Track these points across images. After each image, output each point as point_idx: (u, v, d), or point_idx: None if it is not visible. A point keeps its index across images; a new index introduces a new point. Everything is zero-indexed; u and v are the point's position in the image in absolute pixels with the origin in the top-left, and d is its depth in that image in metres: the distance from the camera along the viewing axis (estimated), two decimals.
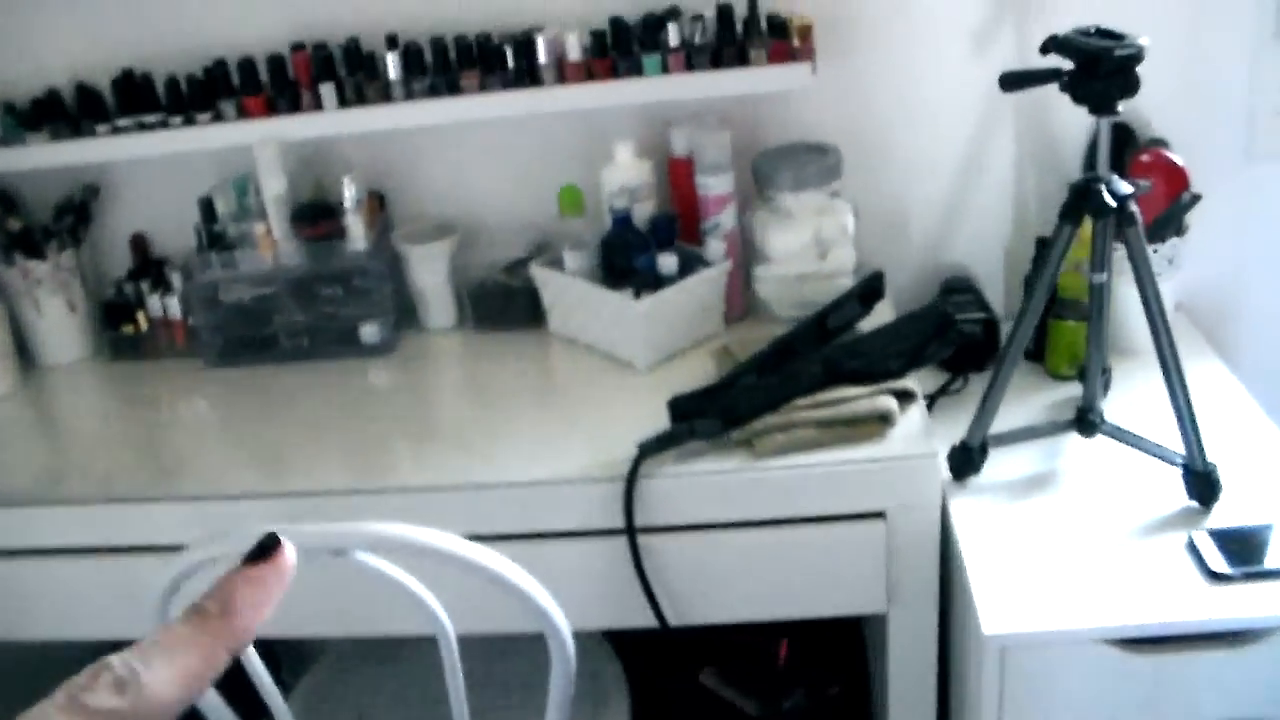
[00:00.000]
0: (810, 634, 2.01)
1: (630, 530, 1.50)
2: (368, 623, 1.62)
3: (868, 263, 1.89)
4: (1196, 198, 1.82)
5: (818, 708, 1.97)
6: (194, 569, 1.32)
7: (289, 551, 0.51)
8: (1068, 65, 1.48)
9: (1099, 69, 1.45)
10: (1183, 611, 1.40)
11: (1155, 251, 1.84)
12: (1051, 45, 1.49)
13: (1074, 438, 1.69)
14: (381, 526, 1.27)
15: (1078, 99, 1.50)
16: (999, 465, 1.66)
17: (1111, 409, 1.71)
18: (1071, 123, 1.90)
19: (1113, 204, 1.51)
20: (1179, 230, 1.86)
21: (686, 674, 2.04)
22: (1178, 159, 1.83)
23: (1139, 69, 1.46)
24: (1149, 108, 1.91)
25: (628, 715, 1.74)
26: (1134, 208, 1.52)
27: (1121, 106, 1.49)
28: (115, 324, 1.99)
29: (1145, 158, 1.84)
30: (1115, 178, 1.54)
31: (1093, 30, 1.49)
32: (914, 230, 2.00)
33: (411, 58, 1.83)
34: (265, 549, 0.50)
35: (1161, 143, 1.90)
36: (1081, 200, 1.53)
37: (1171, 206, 1.81)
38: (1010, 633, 1.41)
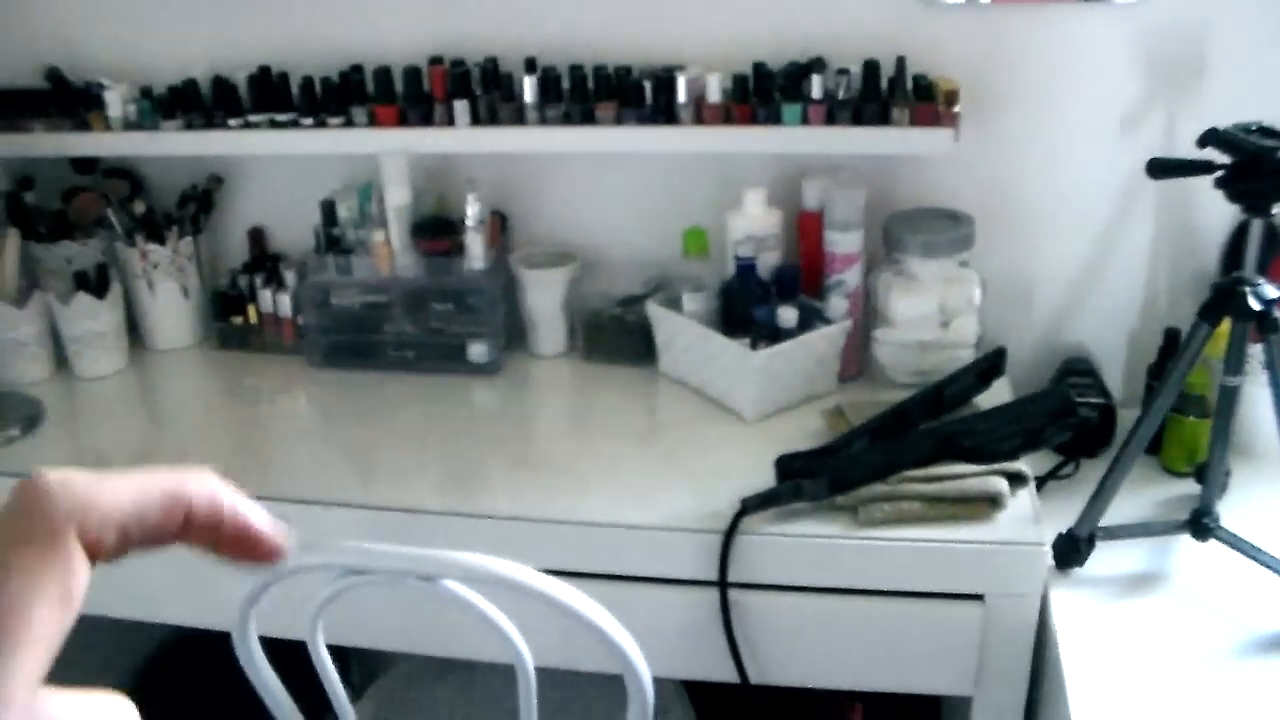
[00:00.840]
0: (885, 703, 1.96)
1: (723, 584, 1.46)
2: (446, 644, 1.61)
3: (989, 335, 1.85)
4: None
5: None
6: (281, 579, 1.31)
7: (279, 540, 0.55)
8: (1223, 160, 1.44)
9: (1260, 168, 1.40)
10: None
11: None
12: (1211, 139, 1.44)
13: (1186, 539, 1.63)
14: (472, 558, 1.25)
15: (1232, 197, 1.45)
16: (1105, 559, 1.60)
17: (1228, 513, 1.65)
18: (1213, 217, 1.84)
19: (1257, 308, 1.46)
20: None
21: None
22: None
23: None
24: None
25: None
26: (1278, 314, 1.47)
27: (1277, 209, 1.44)
28: (226, 314, 2.00)
29: None
30: (1263, 281, 1.49)
31: (1255, 128, 1.44)
32: (1039, 307, 1.95)
33: (549, 83, 1.82)
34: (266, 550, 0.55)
35: None
36: (1225, 300, 1.48)
37: None
38: None
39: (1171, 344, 1.83)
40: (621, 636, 1.27)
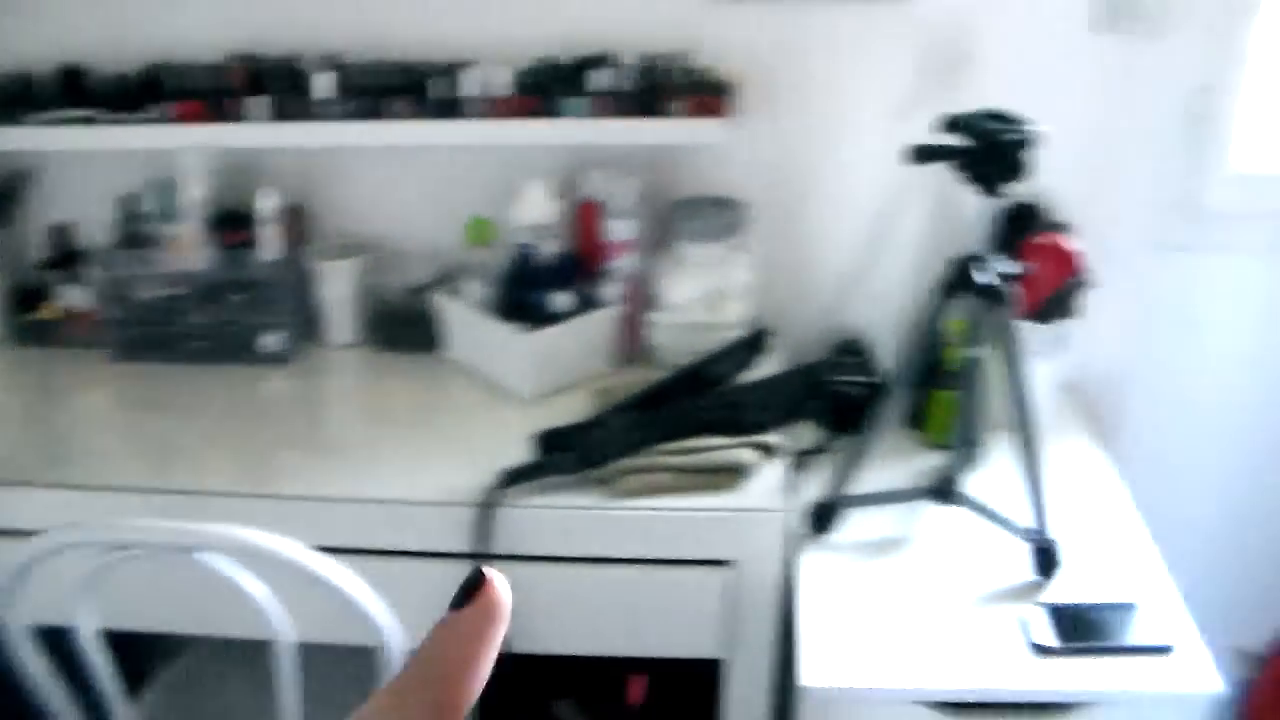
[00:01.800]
0: (668, 674, 2.03)
1: (483, 555, 1.53)
2: (214, 623, 1.66)
3: (770, 317, 1.93)
4: (1083, 283, 1.85)
5: None
6: (44, 555, 1.35)
7: (498, 584, 0.42)
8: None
9: (992, 151, 1.49)
10: (1001, 680, 1.45)
11: (1043, 333, 1.88)
12: (952, 124, 1.53)
13: (931, 504, 1.72)
14: (228, 530, 1.31)
15: (968, 177, 1.53)
16: (860, 525, 1.69)
17: (980, 481, 1.75)
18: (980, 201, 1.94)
19: (986, 283, 1.54)
20: (1067, 313, 1.90)
21: (540, 704, 2.06)
22: (1069, 244, 1.86)
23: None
24: (1061, 191, 1.95)
25: None
26: (1007, 288, 1.55)
27: (1013, 189, 1.53)
28: (26, 309, 2.02)
29: (1042, 242, 1.87)
30: (995, 258, 1.57)
31: (988, 113, 1.53)
32: (816, 290, 2.04)
33: (343, 79, 1.87)
34: (469, 589, 0.41)
35: (1063, 227, 1.94)
36: (958, 277, 1.57)
37: (1058, 290, 1.85)
38: (830, 686, 1.44)
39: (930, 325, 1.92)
40: (364, 596, 1.33)
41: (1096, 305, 1.96)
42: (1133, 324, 2.06)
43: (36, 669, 1.49)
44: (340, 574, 1.34)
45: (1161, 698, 1.44)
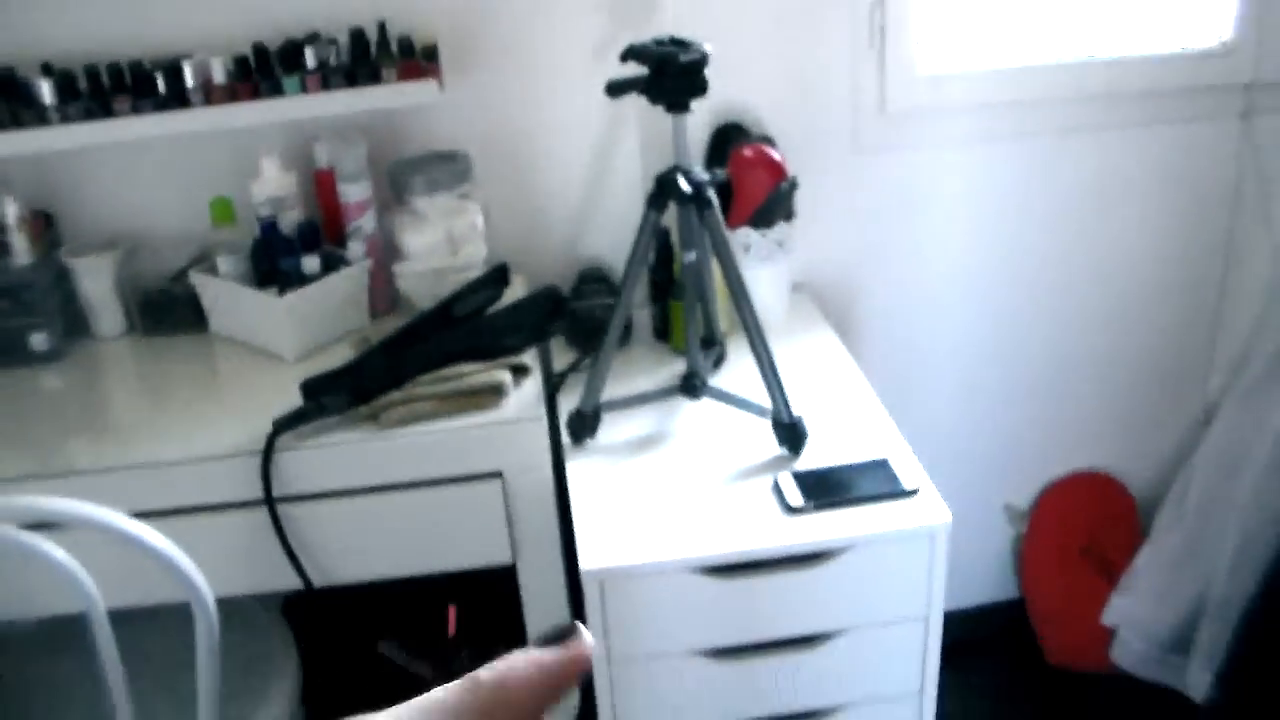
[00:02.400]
0: (477, 600, 2.21)
1: (269, 499, 1.68)
2: (22, 605, 1.77)
3: (510, 258, 2.10)
4: (793, 185, 2.07)
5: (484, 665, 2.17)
6: None
7: (588, 642, 0.43)
8: None
9: (667, 72, 1.67)
10: (761, 540, 1.65)
11: (764, 235, 2.10)
12: (629, 54, 1.71)
13: (685, 402, 1.93)
14: (17, 498, 1.42)
15: (654, 100, 1.72)
16: (617, 430, 1.89)
17: (726, 378, 1.96)
18: (692, 125, 2.14)
19: (689, 191, 1.74)
20: (787, 216, 2.13)
21: (365, 645, 2.22)
22: (775, 153, 2.08)
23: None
24: (763, 108, 2.18)
25: (296, 683, 1.91)
26: (710, 194, 1.75)
27: (694, 105, 1.71)
28: None
29: (746, 152, 2.09)
30: (695, 168, 1.77)
31: (667, 40, 1.71)
32: (551, 227, 2.23)
33: (65, 84, 1.96)
34: (561, 634, 0.43)
35: (769, 140, 2.16)
36: (664, 189, 1.77)
37: (770, 195, 2.07)
38: (607, 567, 1.63)
39: (664, 243, 2.12)
40: (165, 545, 1.47)
41: (811, 209, 2.20)
42: (847, 223, 2.31)
43: None
44: (139, 527, 1.47)
45: (900, 535, 1.65)
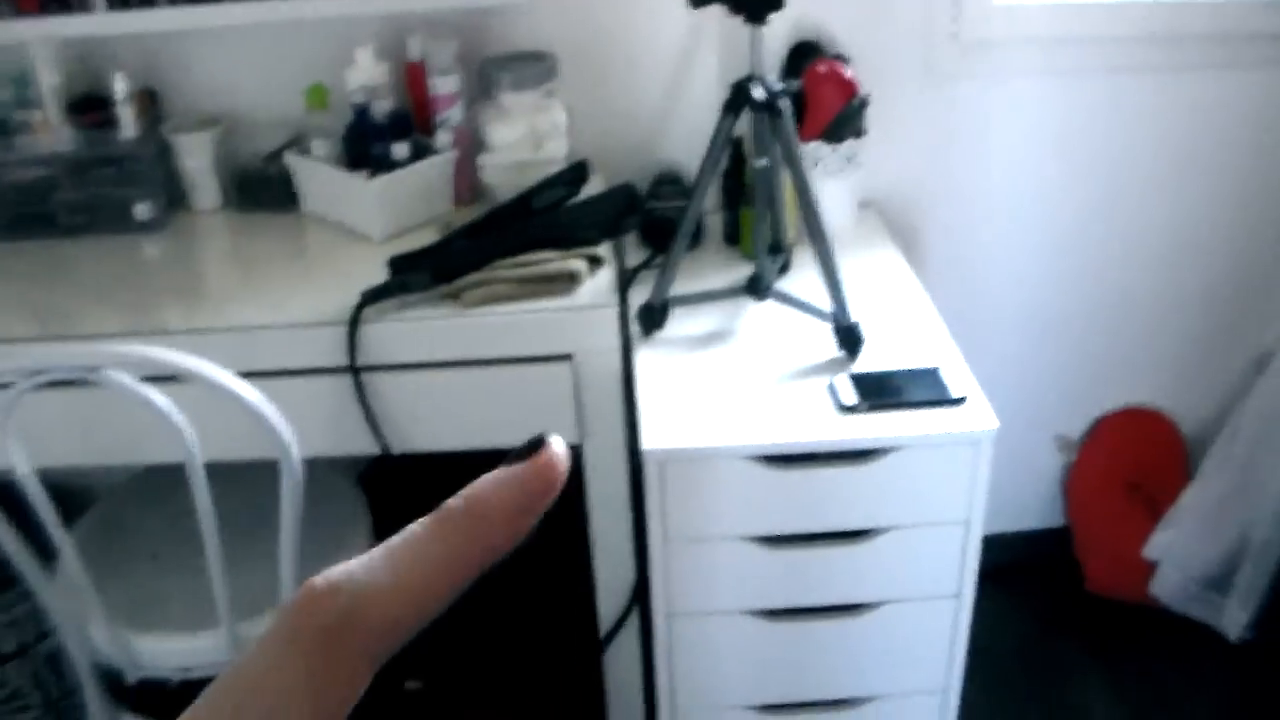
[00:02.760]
0: None
1: (353, 366, 1.78)
2: (125, 452, 1.89)
3: (590, 156, 2.17)
4: (864, 103, 2.14)
5: (549, 541, 2.27)
6: None
7: (557, 450, 0.41)
8: None
9: None
10: (814, 434, 1.73)
11: (834, 150, 2.16)
12: None
13: (750, 303, 2.01)
14: (129, 347, 1.53)
15: (733, 10, 1.78)
16: (684, 325, 1.97)
17: (791, 283, 2.03)
18: (769, 39, 2.19)
19: (763, 99, 1.81)
20: (857, 133, 2.18)
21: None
22: (847, 71, 2.14)
23: None
24: (839, 28, 2.23)
25: (368, 547, 2.02)
26: (783, 103, 1.82)
27: (773, 18, 1.77)
28: None
29: (820, 68, 2.15)
30: (769, 78, 1.84)
31: None
32: (630, 128, 2.30)
33: None
34: (529, 449, 0.41)
35: (843, 58, 2.22)
36: (739, 96, 1.83)
37: (842, 110, 2.13)
38: (667, 448, 1.72)
39: (738, 152, 2.19)
40: (266, 408, 1.57)
41: (883, 129, 2.25)
42: (917, 146, 2.35)
43: None
44: (240, 384, 1.57)
45: (946, 439, 1.73)
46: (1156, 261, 2.48)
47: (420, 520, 0.39)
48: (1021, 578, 2.65)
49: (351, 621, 0.36)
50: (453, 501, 0.40)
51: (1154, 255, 2.48)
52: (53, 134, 2.09)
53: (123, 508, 2.11)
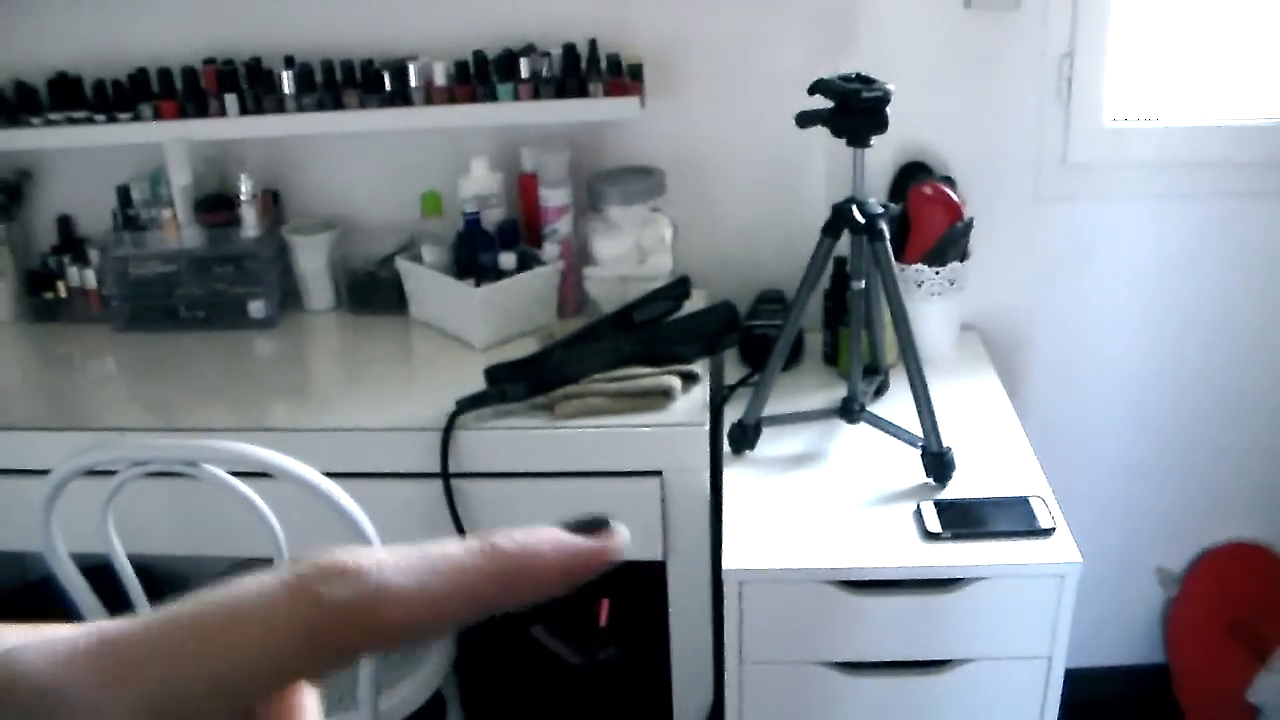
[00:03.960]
0: (629, 597, 2.31)
1: (445, 472, 1.81)
2: (214, 544, 1.95)
3: (693, 272, 2.20)
4: (968, 226, 2.14)
5: (630, 658, 2.28)
6: (63, 481, 1.61)
7: (621, 540, 0.40)
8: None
9: (850, 108, 1.75)
10: (897, 560, 1.71)
11: (937, 273, 2.16)
12: (816, 88, 1.79)
13: (842, 425, 2.01)
14: (227, 443, 1.58)
15: (836, 133, 1.80)
16: (775, 444, 1.98)
17: (885, 406, 2.03)
18: (876, 160, 2.15)
19: (862, 221, 1.82)
20: (960, 255, 2.18)
21: (518, 625, 2.35)
22: (953, 194, 2.15)
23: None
24: (947, 150, 2.25)
25: (450, 650, 2.05)
26: (882, 226, 1.83)
27: (875, 141, 1.78)
28: (38, 291, 2.30)
29: (925, 190, 2.15)
30: (870, 201, 1.85)
31: (853, 76, 1.78)
32: (733, 245, 2.33)
33: (304, 76, 2.15)
34: (593, 525, 0.40)
35: (949, 180, 2.23)
36: (839, 218, 1.85)
37: (946, 233, 2.14)
38: (749, 568, 1.72)
39: (840, 271, 2.20)
40: (356, 511, 1.60)
41: (987, 252, 2.25)
42: (1021, 269, 2.34)
43: (80, 592, 1.75)
44: (331, 486, 1.61)
45: (1030, 570, 1.70)
46: (1266, 391, 2.43)
47: (465, 542, 0.37)
48: (1118, 715, 2.58)
49: (369, 609, 0.35)
50: (504, 540, 0.38)
51: (1261, 385, 2.42)
52: (180, 231, 2.19)
53: None
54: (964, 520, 1.76)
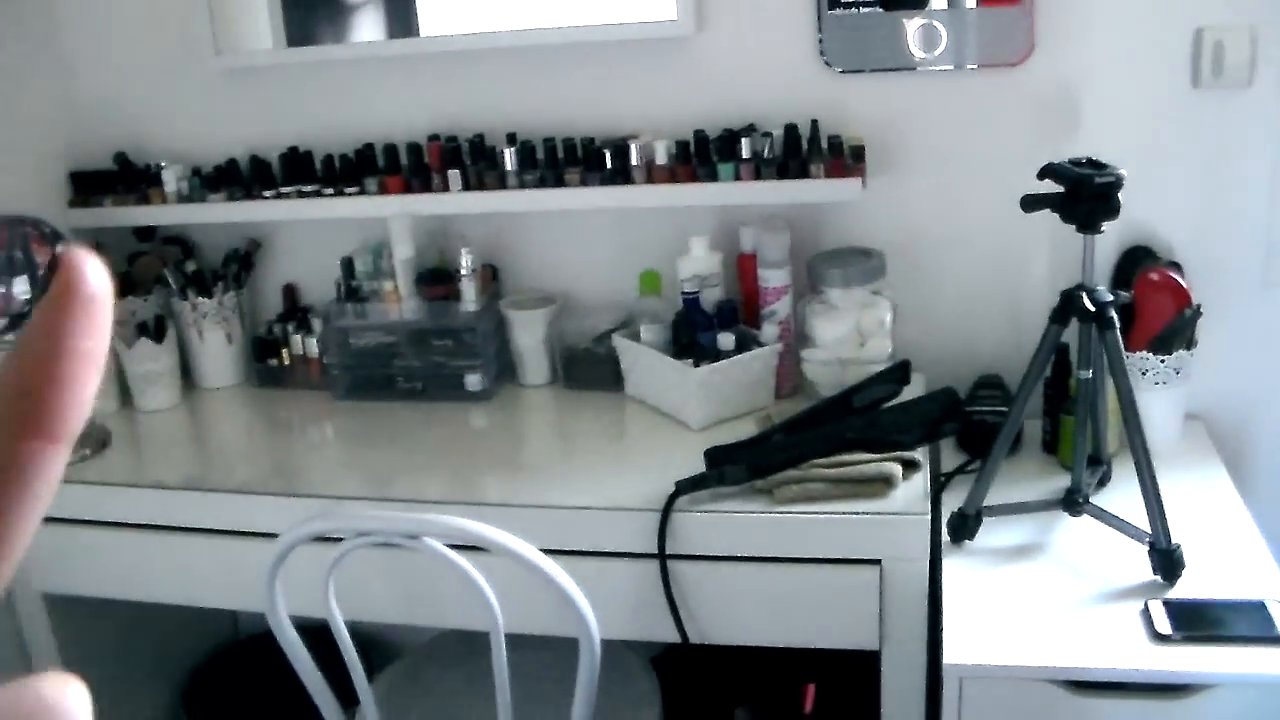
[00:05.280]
0: (835, 682, 2.25)
1: (662, 554, 1.79)
2: (430, 613, 1.94)
3: (913, 356, 2.14)
4: (1196, 313, 2.05)
5: None
6: (290, 547, 1.64)
7: (80, 265, 0.35)
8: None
9: (1081, 193, 1.70)
10: (1124, 661, 1.62)
11: (1163, 361, 2.08)
12: (1046, 172, 1.75)
13: (1065, 517, 1.93)
14: (449, 518, 1.59)
15: (1065, 219, 1.75)
16: (995, 535, 1.91)
17: (1108, 498, 1.94)
18: (1101, 244, 2.14)
19: (1092, 309, 1.76)
20: (1188, 344, 2.10)
21: (722, 709, 2.30)
22: (1181, 279, 2.06)
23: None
24: (1173, 234, 2.16)
25: None
26: (1112, 313, 1.76)
27: (1106, 226, 1.72)
28: (264, 357, 2.37)
29: (1153, 276, 2.07)
30: (1099, 288, 1.78)
31: (1084, 160, 1.73)
32: (954, 330, 2.28)
33: (526, 153, 2.17)
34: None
35: (1176, 266, 2.14)
36: (1068, 305, 1.79)
37: (1173, 320, 2.05)
38: (968, 663, 1.65)
39: (1062, 358, 2.13)
40: (565, 580, 1.60)
41: (1214, 340, 2.15)
42: (1249, 357, 2.23)
43: (300, 654, 1.78)
44: (549, 564, 1.60)
45: (1271, 680, 1.57)
46: None
47: None
48: None
49: None
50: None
51: None
52: (401, 304, 2.22)
53: (425, 665, 2.17)
54: (1196, 623, 1.66)
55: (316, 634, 1.77)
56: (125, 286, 2.33)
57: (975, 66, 2.13)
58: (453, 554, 1.60)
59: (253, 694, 2.45)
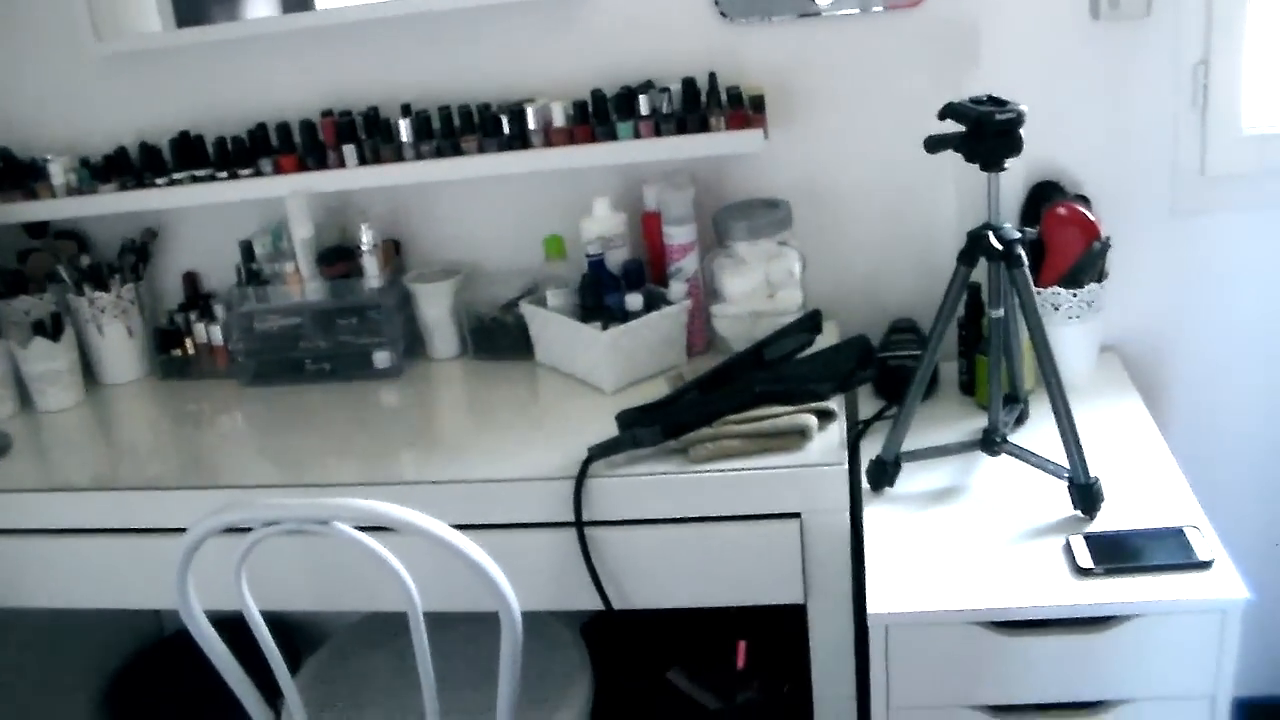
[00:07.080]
0: (767, 637, 2.25)
1: (579, 522, 1.76)
2: (348, 598, 1.91)
3: (824, 305, 2.14)
4: (1105, 246, 2.04)
5: (770, 702, 2.21)
6: (197, 542, 1.60)
7: None
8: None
9: (983, 132, 1.68)
10: (1045, 598, 1.62)
11: (1074, 295, 2.07)
12: (947, 112, 1.73)
13: (984, 458, 1.92)
14: (357, 501, 1.55)
15: (969, 158, 1.73)
16: (915, 480, 1.90)
17: (1026, 436, 1.94)
18: (1007, 182, 2.13)
19: (999, 248, 1.74)
20: (1098, 276, 2.09)
21: (654, 672, 2.29)
22: (1089, 213, 2.06)
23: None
24: (1079, 167, 2.16)
25: (587, 700, 1.99)
26: (1020, 251, 1.75)
27: (1010, 163, 1.70)
28: (166, 348, 2.31)
29: (1060, 211, 2.06)
30: (1006, 226, 1.77)
31: (984, 98, 1.71)
32: (864, 276, 2.26)
33: (421, 124, 2.13)
34: None
35: (1083, 199, 2.14)
36: (975, 245, 1.77)
37: (1083, 254, 2.05)
38: (892, 611, 1.64)
39: (975, 299, 2.12)
40: (480, 556, 1.57)
41: (1125, 271, 2.16)
42: (1161, 286, 2.24)
43: (218, 649, 1.74)
44: (461, 539, 1.57)
45: (1191, 606, 1.59)
46: None
47: None
48: None
49: None
50: None
51: None
52: (304, 285, 2.18)
53: (351, 649, 2.14)
54: (1117, 554, 1.66)
55: (241, 627, 1.73)
56: (18, 285, 2.27)
57: (881, 9, 2.11)
58: (363, 537, 1.57)
59: (177, 692, 2.41)
